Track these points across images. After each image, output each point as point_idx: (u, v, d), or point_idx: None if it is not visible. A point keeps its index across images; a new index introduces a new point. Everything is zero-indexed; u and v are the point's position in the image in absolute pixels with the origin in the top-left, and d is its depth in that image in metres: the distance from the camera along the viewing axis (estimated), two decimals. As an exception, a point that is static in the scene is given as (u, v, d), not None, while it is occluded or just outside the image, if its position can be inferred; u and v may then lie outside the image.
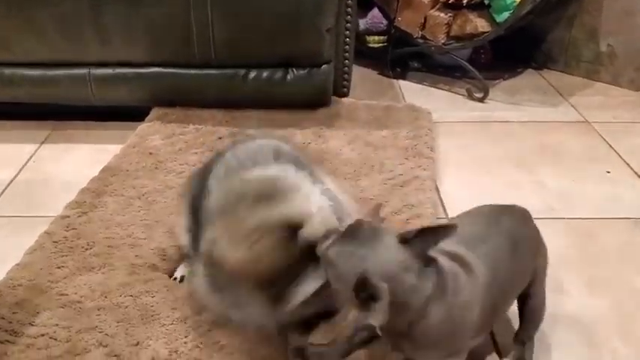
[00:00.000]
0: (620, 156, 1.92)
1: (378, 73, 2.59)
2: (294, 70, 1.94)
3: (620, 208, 1.65)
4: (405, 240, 0.85)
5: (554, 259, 1.33)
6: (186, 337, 1.10)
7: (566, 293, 1.33)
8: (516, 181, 1.78)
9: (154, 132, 1.86)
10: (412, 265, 0.83)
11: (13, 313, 1.13)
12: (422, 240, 0.85)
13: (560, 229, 1.55)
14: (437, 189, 1.70)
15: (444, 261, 0.89)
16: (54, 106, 2.00)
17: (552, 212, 1.62)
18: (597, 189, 1.74)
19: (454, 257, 0.91)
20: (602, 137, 2.04)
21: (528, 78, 2.57)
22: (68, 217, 1.44)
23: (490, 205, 1.10)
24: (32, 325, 1.11)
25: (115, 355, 1.06)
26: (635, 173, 1.83)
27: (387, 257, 0.83)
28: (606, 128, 2.10)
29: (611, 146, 1.98)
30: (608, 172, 1.83)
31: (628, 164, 1.87)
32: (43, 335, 1.09)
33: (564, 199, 1.70)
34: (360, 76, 2.50)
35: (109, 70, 1.91)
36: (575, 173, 1.82)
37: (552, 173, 1.82)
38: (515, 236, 1.02)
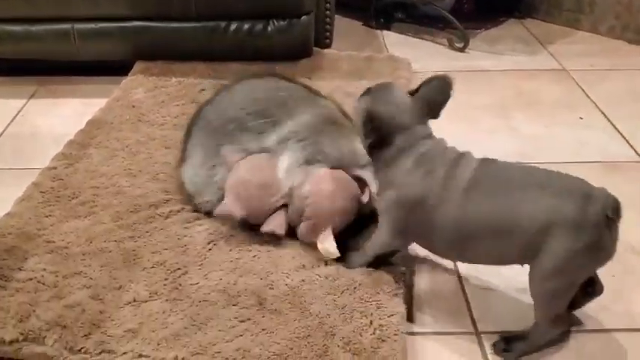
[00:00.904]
0: (593, 102, 1.97)
1: (363, 24, 2.61)
2: (275, 21, 1.97)
3: (590, 152, 1.71)
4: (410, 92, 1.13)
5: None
6: (165, 279, 1.18)
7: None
8: (492, 128, 1.83)
9: (137, 85, 1.90)
10: (407, 107, 1.11)
11: (3, 259, 1.20)
12: (423, 93, 1.14)
13: (530, 173, 1.60)
14: (413, 137, 1.76)
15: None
16: (39, 61, 2.04)
17: (523, 157, 1.67)
18: (569, 134, 1.80)
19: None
20: (577, 84, 2.08)
21: (510, 28, 2.59)
22: (55, 168, 1.50)
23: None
24: (21, 270, 1.18)
25: (99, 298, 1.13)
26: (607, 119, 1.88)
27: (387, 98, 1.13)
28: (583, 76, 2.14)
29: (585, 93, 2.03)
30: (581, 118, 1.88)
31: (601, 110, 1.92)
32: (31, 279, 1.16)
33: (536, 144, 1.75)
34: (345, 27, 2.52)
35: (92, 25, 1.94)
36: (549, 119, 1.87)
37: (527, 119, 1.87)
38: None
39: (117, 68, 2.01)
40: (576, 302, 1.11)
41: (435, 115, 1.16)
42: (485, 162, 1.11)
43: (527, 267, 1.06)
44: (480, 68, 2.21)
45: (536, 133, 1.80)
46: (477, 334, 1.15)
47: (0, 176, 1.60)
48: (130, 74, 1.97)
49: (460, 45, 2.36)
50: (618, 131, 1.81)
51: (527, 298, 1.11)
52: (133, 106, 1.79)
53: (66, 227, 1.30)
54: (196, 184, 1.36)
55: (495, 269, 1.23)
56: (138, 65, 2.00)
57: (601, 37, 2.46)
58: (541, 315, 1.07)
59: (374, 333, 1.05)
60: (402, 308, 1.12)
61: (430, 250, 1.17)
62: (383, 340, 1.03)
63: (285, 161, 1.29)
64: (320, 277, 1.17)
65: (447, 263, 1.30)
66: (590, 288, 1.11)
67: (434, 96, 1.17)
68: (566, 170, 1.60)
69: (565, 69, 2.20)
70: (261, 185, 1.26)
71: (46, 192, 1.41)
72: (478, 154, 1.60)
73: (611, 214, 0.99)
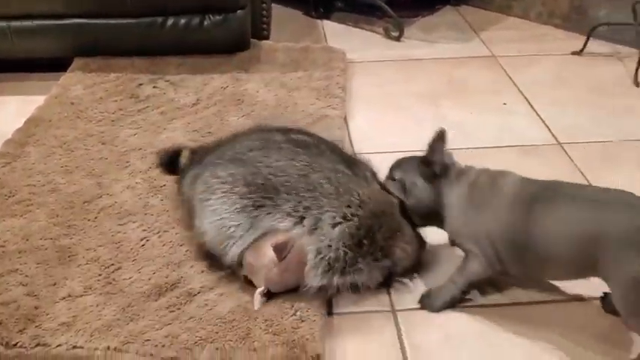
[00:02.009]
0: (518, 88, 2.07)
1: (303, 14, 2.66)
2: (211, 16, 2.01)
3: (510, 137, 1.82)
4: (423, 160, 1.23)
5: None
6: (99, 274, 1.24)
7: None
8: (421, 116, 1.92)
9: (76, 82, 1.93)
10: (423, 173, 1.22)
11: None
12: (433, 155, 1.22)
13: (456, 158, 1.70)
14: (346, 126, 1.83)
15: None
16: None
17: (450, 143, 1.76)
18: (492, 120, 1.90)
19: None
20: (504, 70, 2.19)
21: (445, 15, 2.67)
22: (-8, 167, 1.54)
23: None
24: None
25: (34, 295, 1.18)
26: (529, 104, 1.98)
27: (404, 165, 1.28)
28: (510, 62, 2.24)
29: (511, 79, 2.13)
30: (505, 103, 1.99)
31: (524, 95, 2.03)
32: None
33: (461, 130, 1.84)
34: (286, 16, 2.57)
35: (28, 23, 1.96)
36: (475, 106, 1.97)
37: (454, 107, 1.97)
38: None
39: (56, 64, 2.04)
40: None
41: None
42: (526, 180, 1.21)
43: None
44: (414, 57, 2.30)
45: (463, 120, 1.89)
46: (393, 311, 1.24)
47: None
48: (68, 71, 2.00)
49: (395, 34, 2.44)
50: (539, 116, 1.92)
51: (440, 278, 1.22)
52: (72, 103, 1.83)
53: (2, 226, 1.35)
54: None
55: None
56: (76, 62, 2.03)
57: (531, 23, 2.57)
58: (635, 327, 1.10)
59: (294, 314, 1.13)
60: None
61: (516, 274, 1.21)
62: (302, 321, 1.12)
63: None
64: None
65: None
66: None
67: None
68: (486, 155, 1.72)
69: (494, 55, 2.30)
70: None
71: (-18, 192, 1.45)
72: (408, 142, 1.73)
73: None
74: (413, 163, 1.26)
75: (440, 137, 1.23)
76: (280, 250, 1.14)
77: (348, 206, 1.19)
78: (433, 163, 1.22)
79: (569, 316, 1.23)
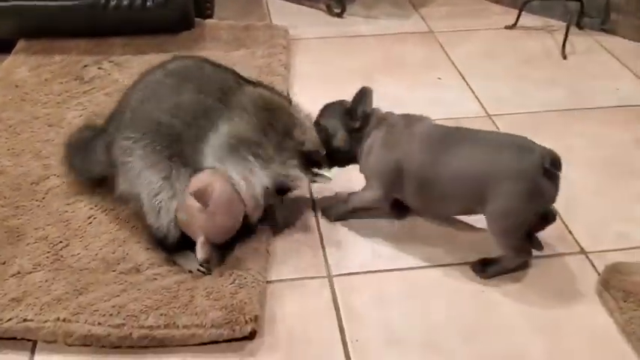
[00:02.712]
0: (452, 63, 2.18)
1: (247, -9, 2.70)
2: (153, -4, 2.05)
3: (444, 109, 1.91)
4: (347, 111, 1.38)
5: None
6: (48, 252, 1.30)
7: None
8: (359, 92, 2.00)
9: (20, 64, 1.95)
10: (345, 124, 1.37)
11: None
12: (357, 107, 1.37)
13: (388, 132, 1.79)
14: (288, 103, 1.91)
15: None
16: None
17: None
18: (426, 94, 1.99)
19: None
20: (441, 46, 2.29)
21: (387, -9, 2.75)
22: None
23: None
24: None
25: (-15, 273, 1.24)
26: (463, 78, 2.09)
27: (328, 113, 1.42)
28: (446, 37, 2.34)
29: (447, 54, 2.23)
30: (439, 78, 2.09)
31: (458, 70, 2.13)
32: None
33: (397, 105, 1.92)
34: (228, -7, 2.61)
35: (-32, 5, 1.96)
36: (411, 81, 2.06)
37: (392, 82, 2.05)
38: None
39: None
40: (533, 229, 1.32)
41: None
42: (437, 125, 1.40)
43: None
44: (354, 33, 2.37)
45: (398, 95, 1.97)
46: (330, 277, 1.34)
47: None
48: (12, 53, 2.02)
49: (338, 10, 2.51)
50: (470, 89, 2.03)
51: (371, 243, 1.32)
52: (17, 86, 1.85)
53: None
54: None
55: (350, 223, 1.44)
56: (20, 44, 2.05)
57: (469, -2, 2.67)
58: (502, 248, 1.29)
59: (233, 282, 1.22)
60: (261, 261, 1.29)
61: (408, 203, 1.39)
62: (241, 287, 1.20)
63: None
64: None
65: (309, 221, 1.48)
66: (544, 217, 1.31)
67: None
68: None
69: (432, 31, 2.40)
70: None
71: None
72: None
73: (548, 165, 1.20)
74: (337, 111, 1.41)
75: (364, 93, 1.38)
76: (201, 195, 1.20)
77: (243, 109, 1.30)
78: (355, 116, 1.37)
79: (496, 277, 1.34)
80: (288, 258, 1.38)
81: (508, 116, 1.88)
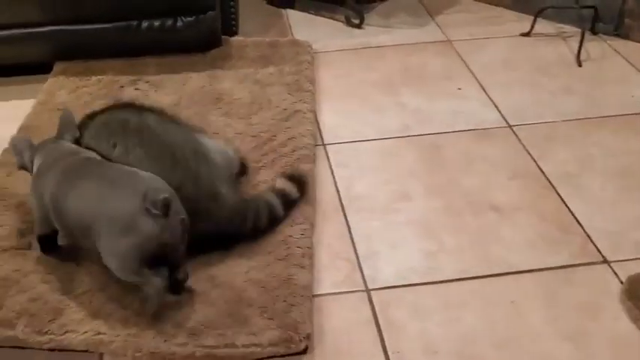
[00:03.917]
0: (472, 72, 2.26)
1: (267, 3, 2.79)
2: (183, 17, 2.14)
3: (465, 121, 2.00)
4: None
5: (405, 172, 1.70)
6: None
7: (411, 199, 1.68)
8: (382, 105, 2.09)
9: (60, 87, 2.05)
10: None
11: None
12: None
13: (412, 145, 1.89)
14: (316, 120, 2.00)
15: None
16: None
17: (407, 130, 1.95)
18: (447, 105, 2.08)
19: None
20: (459, 55, 2.37)
21: (403, -2, 2.82)
22: (-6, 177, 1.67)
23: None
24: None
25: (57, 290, 1.35)
26: (482, 88, 2.17)
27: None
28: (464, 46, 2.42)
29: (465, 63, 2.31)
30: (459, 88, 2.17)
31: (478, 80, 2.22)
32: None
33: (418, 117, 2.02)
34: (250, 7, 2.69)
35: (8, 32, 2.06)
36: (431, 92, 2.15)
37: (412, 93, 2.14)
38: None
39: (35, 67, 2.15)
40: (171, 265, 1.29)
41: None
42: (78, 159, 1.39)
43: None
44: (373, 44, 2.45)
45: (419, 107, 2.06)
46: (367, 291, 1.44)
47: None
48: (50, 76, 2.11)
49: (356, 21, 2.59)
50: (490, 99, 2.11)
51: (406, 257, 1.42)
52: (58, 109, 1.94)
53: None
54: None
55: (385, 238, 1.53)
56: (57, 66, 2.14)
57: (483, 5, 2.73)
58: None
59: (285, 300, 1.32)
60: (307, 278, 1.39)
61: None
62: (292, 305, 1.30)
63: None
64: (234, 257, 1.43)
65: (343, 233, 1.58)
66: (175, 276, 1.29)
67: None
68: (441, 140, 1.90)
69: (449, 40, 2.47)
70: None
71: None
72: (368, 130, 1.94)
73: (149, 205, 1.18)
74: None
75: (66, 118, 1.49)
76: None
77: None
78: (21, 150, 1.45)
79: (525, 288, 1.43)
80: (326, 272, 1.47)
81: (528, 127, 1.96)
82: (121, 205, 1.23)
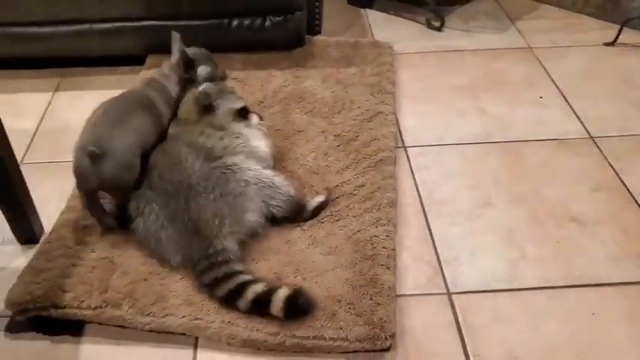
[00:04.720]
0: (553, 81, 2.25)
1: (348, 3, 2.83)
2: (272, 17, 2.21)
3: (546, 130, 2.01)
4: None
5: (487, 178, 1.71)
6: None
7: (492, 206, 1.71)
8: (463, 109, 2.11)
9: (153, 79, 2.14)
10: None
11: (77, 244, 1.52)
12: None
13: (494, 151, 1.91)
14: (397, 122, 2.04)
15: None
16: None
17: (489, 137, 1.98)
18: (529, 113, 2.09)
19: None
20: (540, 62, 2.36)
21: (483, 2, 2.82)
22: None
23: None
24: (93, 252, 1.50)
25: (157, 274, 1.45)
26: (564, 97, 2.17)
27: None
28: (545, 54, 2.41)
29: (546, 71, 2.31)
30: (541, 97, 2.17)
31: (559, 88, 2.21)
32: (103, 259, 1.48)
33: (500, 123, 2.04)
34: (331, 6, 2.74)
35: (108, 25, 2.18)
36: (513, 99, 2.16)
37: (493, 99, 2.16)
38: None
39: (128, 58, 2.26)
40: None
41: None
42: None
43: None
44: (454, 48, 2.47)
45: (501, 113, 2.08)
46: (449, 294, 1.47)
47: (44, 169, 1.86)
48: (144, 68, 2.22)
49: (437, 24, 2.61)
50: (572, 109, 2.10)
51: (487, 263, 1.45)
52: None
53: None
54: None
55: (466, 243, 1.57)
56: (150, 59, 2.24)
57: (565, 11, 2.71)
58: None
59: (371, 299, 1.37)
60: (392, 278, 1.44)
61: None
62: (379, 305, 1.36)
63: None
64: (322, 254, 1.49)
65: (425, 235, 1.62)
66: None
67: None
68: (522, 148, 1.91)
69: (530, 46, 2.47)
70: None
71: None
72: (449, 135, 1.96)
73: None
74: None
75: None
76: None
77: None
78: None
79: (606, 301, 1.45)
80: (407, 273, 1.52)
81: (610, 139, 1.95)
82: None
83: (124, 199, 1.52)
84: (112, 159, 1.44)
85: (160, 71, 1.80)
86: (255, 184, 1.52)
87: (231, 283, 1.35)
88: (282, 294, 1.32)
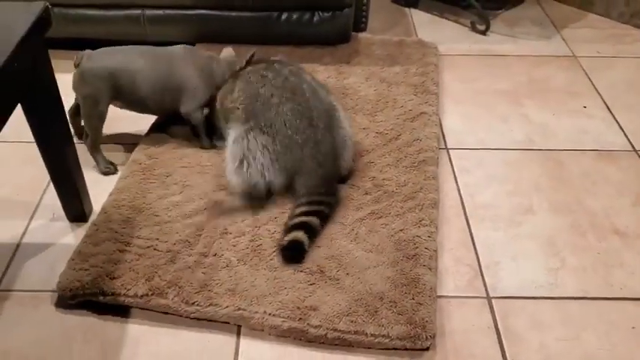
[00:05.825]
0: (597, 91, 2.25)
1: (392, 1, 2.84)
2: (320, 12, 2.23)
3: (589, 140, 2.01)
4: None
5: (529, 185, 1.72)
6: (246, 247, 1.51)
7: (534, 213, 1.72)
8: (506, 115, 2.12)
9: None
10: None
11: (122, 228, 1.54)
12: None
13: (536, 159, 1.91)
14: (440, 123, 2.05)
15: None
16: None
17: (532, 144, 1.98)
18: (572, 122, 2.09)
19: None
20: (584, 72, 2.35)
21: (528, 8, 2.82)
22: (148, 147, 1.82)
23: None
24: (139, 238, 1.52)
25: (201, 263, 1.48)
26: (608, 108, 2.16)
27: None
28: (590, 63, 2.40)
29: (591, 81, 2.30)
30: (585, 106, 2.17)
31: (603, 99, 2.20)
32: (149, 247, 1.50)
33: (543, 131, 2.04)
34: (375, 3, 2.76)
35: (160, 12, 2.21)
36: (556, 107, 2.16)
37: (537, 107, 2.16)
38: None
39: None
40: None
41: None
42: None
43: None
44: (498, 52, 2.47)
45: (544, 121, 2.09)
46: (489, 298, 1.49)
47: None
48: (192, 55, 2.25)
49: (482, 28, 2.61)
50: (616, 121, 2.10)
51: (527, 270, 1.46)
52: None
53: (166, 202, 1.63)
54: None
55: (507, 249, 1.58)
56: (198, 47, 2.27)
57: (611, 22, 2.70)
58: None
59: (413, 298, 1.39)
60: (433, 279, 1.45)
61: None
62: (420, 304, 1.38)
63: None
64: (364, 250, 1.51)
65: (466, 239, 1.64)
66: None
67: None
68: (565, 157, 1.91)
69: (575, 55, 2.46)
70: None
71: (145, 169, 1.74)
72: (495, 139, 1.96)
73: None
74: None
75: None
76: None
77: None
78: None
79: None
80: (448, 275, 1.54)
81: (655, 153, 1.95)
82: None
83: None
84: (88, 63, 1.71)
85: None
86: (350, 138, 1.74)
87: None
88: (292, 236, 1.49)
